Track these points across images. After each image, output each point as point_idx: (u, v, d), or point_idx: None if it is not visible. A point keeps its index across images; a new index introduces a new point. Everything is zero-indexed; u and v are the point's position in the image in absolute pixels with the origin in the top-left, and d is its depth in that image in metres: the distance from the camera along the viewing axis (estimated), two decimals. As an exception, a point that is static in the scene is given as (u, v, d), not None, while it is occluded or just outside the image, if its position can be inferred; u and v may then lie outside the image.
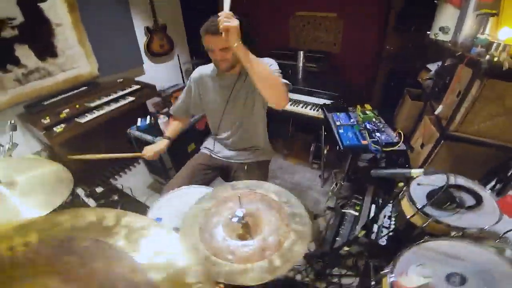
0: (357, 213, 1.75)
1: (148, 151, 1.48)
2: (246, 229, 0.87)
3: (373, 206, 1.73)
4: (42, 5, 2.08)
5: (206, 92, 1.46)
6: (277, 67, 1.27)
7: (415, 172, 0.81)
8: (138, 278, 0.46)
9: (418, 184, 1.27)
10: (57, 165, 1.19)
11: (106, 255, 0.49)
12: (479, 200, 1.17)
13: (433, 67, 2.09)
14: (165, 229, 0.55)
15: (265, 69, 1.09)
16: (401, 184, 0.86)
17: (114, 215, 0.54)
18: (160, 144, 1.52)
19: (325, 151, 2.37)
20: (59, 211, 0.53)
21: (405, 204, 1.26)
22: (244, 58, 1.03)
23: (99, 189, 2.40)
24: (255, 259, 0.78)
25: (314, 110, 2.31)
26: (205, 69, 1.45)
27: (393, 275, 0.93)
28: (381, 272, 1.01)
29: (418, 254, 1.00)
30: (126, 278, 0.46)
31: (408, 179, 0.88)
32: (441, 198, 1.02)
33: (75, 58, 2.34)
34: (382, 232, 1.54)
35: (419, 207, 1.12)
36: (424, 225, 1.13)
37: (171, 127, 1.62)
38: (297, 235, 0.87)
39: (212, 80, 1.42)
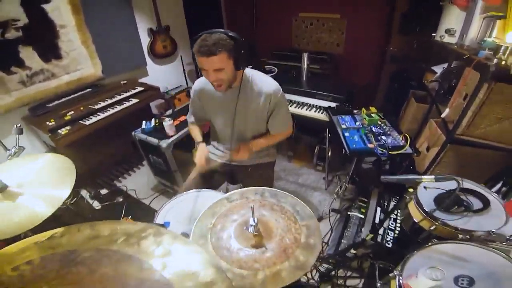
0: (362, 216, 1.75)
1: (200, 160, 1.40)
2: (259, 237, 0.88)
3: (379, 208, 1.73)
4: (45, 6, 2.08)
5: (210, 104, 1.44)
6: (290, 119, 1.47)
7: (426, 178, 0.81)
8: (148, 275, 0.50)
9: (425, 188, 1.27)
10: (54, 155, 1.23)
11: (112, 260, 0.52)
12: (486, 203, 1.17)
13: (438, 69, 2.08)
14: (165, 230, 0.59)
15: (270, 142, 1.49)
16: (411, 190, 0.86)
17: (107, 226, 0.58)
18: (204, 149, 1.46)
19: (329, 153, 2.37)
20: (52, 231, 0.56)
21: (412, 207, 1.26)
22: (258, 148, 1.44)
23: (103, 191, 2.41)
24: (280, 260, 0.81)
25: (318, 112, 2.30)
26: (206, 81, 1.38)
27: (402, 277, 0.94)
28: (390, 275, 1.02)
29: (427, 257, 1.00)
30: (137, 277, 0.50)
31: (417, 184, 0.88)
32: (450, 202, 1.02)
33: (79, 60, 2.34)
34: (388, 234, 1.55)
35: (427, 211, 1.13)
36: (432, 228, 1.14)
37: (197, 131, 1.56)
38: (308, 228, 0.93)
39: (214, 93, 1.36)
